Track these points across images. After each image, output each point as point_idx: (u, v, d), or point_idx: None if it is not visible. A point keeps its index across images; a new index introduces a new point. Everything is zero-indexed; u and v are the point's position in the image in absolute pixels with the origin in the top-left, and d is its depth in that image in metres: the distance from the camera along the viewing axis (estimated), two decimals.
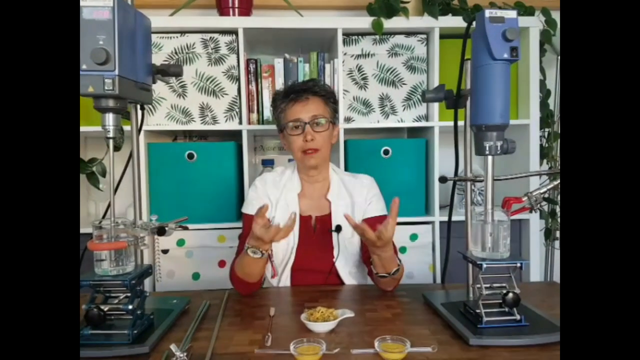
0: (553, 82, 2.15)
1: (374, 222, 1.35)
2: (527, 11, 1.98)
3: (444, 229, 1.91)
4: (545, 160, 2.13)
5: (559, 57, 2.18)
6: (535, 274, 1.96)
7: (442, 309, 1.11)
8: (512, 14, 0.98)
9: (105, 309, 0.98)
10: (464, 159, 1.21)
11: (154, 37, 1.86)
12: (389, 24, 1.87)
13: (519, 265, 1.01)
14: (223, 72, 1.91)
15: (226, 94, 1.92)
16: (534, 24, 1.91)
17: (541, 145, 2.05)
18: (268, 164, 2.13)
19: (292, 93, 1.39)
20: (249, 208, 1.43)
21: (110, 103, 0.95)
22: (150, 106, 1.87)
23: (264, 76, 1.95)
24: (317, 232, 1.40)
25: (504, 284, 1.04)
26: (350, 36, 1.95)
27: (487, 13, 0.97)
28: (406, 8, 1.86)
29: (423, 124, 1.97)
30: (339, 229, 1.38)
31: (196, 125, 1.92)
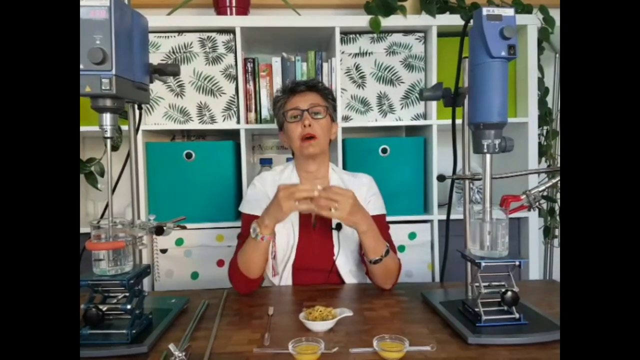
0: (551, 79, 2.15)
1: (373, 220, 1.35)
2: (524, 9, 1.98)
3: (442, 227, 1.91)
4: (543, 158, 2.13)
5: (557, 55, 2.19)
6: (534, 272, 1.96)
7: (441, 308, 1.11)
8: (509, 11, 0.98)
9: (104, 309, 0.98)
10: (462, 157, 1.21)
11: (151, 37, 1.86)
12: (386, 22, 1.87)
13: (517, 263, 1.01)
14: (221, 71, 1.91)
15: (224, 93, 1.91)
16: (532, 22, 1.91)
17: (539, 143, 2.05)
18: (266, 163, 2.13)
19: (293, 86, 1.43)
20: (247, 207, 1.43)
21: (108, 103, 0.94)
22: (148, 106, 1.87)
23: (262, 75, 1.95)
24: (317, 229, 1.40)
25: (502, 283, 1.04)
26: (348, 35, 1.95)
27: (485, 11, 0.97)
28: (404, 6, 1.86)
29: (421, 122, 1.97)
30: (339, 226, 1.38)
31: (194, 125, 1.92)
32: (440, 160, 1.91)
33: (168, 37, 1.88)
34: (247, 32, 1.90)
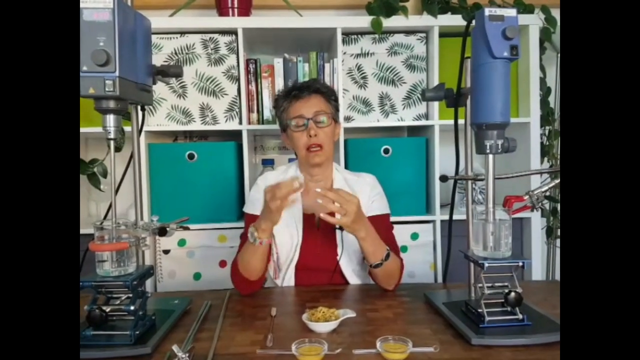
0: (553, 79, 2.15)
1: (376, 220, 1.35)
2: (526, 9, 1.98)
3: (444, 228, 1.91)
4: (546, 158, 2.13)
5: (559, 55, 2.18)
6: (537, 272, 1.96)
7: (444, 309, 1.11)
8: (511, 12, 0.98)
9: (107, 310, 0.98)
10: (465, 158, 1.20)
11: (154, 38, 1.86)
12: (388, 22, 1.87)
13: (521, 264, 1.01)
14: (223, 73, 1.91)
15: (226, 94, 1.92)
16: (534, 22, 1.91)
17: (542, 143, 2.04)
18: (268, 163, 2.13)
19: (294, 91, 1.40)
20: (251, 207, 1.43)
21: (111, 104, 0.95)
22: (150, 107, 1.87)
23: (264, 76, 1.95)
24: (320, 229, 1.40)
25: (506, 283, 1.04)
26: (350, 35, 1.95)
27: (487, 11, 0.97)
28: (405, 7, 1.86)
29: (423, 122, 1.97)
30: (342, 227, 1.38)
31: (196, 126, 1.92)
32: (442, 160, 1.91)
33: (170, 38, 1.89)
34: (249, 33, 1.90)
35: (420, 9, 1.94)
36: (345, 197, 1.16)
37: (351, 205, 1.16)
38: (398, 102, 1.97)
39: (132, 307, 0.98)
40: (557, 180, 1.19)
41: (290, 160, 2.15)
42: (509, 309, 1.02)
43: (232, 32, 1.89)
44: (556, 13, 1.94)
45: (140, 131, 1.17)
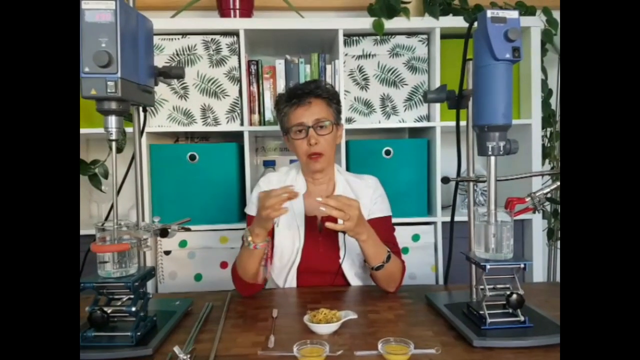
0: (555, 81, 2.15)
1: (378, 222, 1.35)
2: (528, 11, 1.98)
3: (446, 229, 1.90)
4: (547, 160, 2.12)
5: (560, 57, 2.18)
6: (538, 274, 1.95)
7: (446, 310, 1.11)
8: (513, 14, 0.98)
9: (109, 311, 0.98)
10: (467, 160, 1.20)
11: (156, 39, 1.86)
12: (389, 24, 1.87)
13: (522, 266, 1.01)
14: (224, 74, 1.91)
15: (227, 95, 1.92)
16: (535, 24, 1.91)
17: (543, 145, 2.04)
18: (269, 164, 2.13)
19: (295, 97, 1.37)
20: (252, 209, 1.43)
21: (113, 105, 0.95)
22: (152, 108, 1.87)
23: (265, 77, 1.95)
24: (323, 232, 1.39)
25: (507, 285, 1.04)
26: (351, 37, 1.95)
27: (489, 13, 0.97)
28: (407, 8, 1.86)
29: (424, 124, 1.97)
30: None
31: (198, 127, 1.92)
32: (444, 162, 1.91)
33: (172, 39, 1.89)
34: (250, 35, 1.91)
35: (422, 11, 1.94)
36: (346, 202, 1.16)
37: (353, 210, 1.15)
38: (399, 103, 1.98)
39: (133, 308, 0.98)
40: (559, 182, 1.19)
41: (291, 161, 2.15)
42: (510, 310, 1.02)
43: (234, 33, 1.89)
44: (558, 15, 1.94)
45: (141, 132, 1.18)
